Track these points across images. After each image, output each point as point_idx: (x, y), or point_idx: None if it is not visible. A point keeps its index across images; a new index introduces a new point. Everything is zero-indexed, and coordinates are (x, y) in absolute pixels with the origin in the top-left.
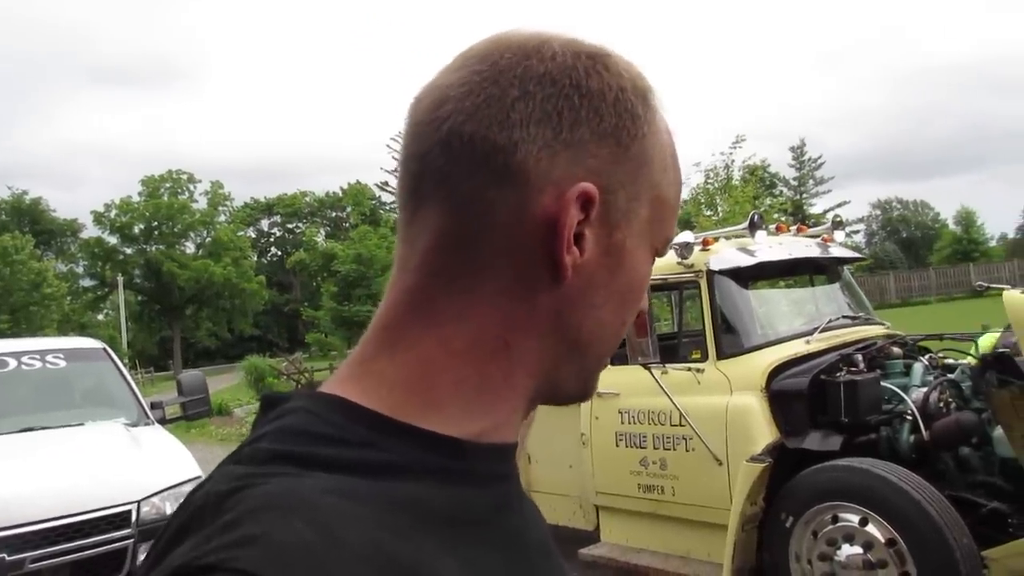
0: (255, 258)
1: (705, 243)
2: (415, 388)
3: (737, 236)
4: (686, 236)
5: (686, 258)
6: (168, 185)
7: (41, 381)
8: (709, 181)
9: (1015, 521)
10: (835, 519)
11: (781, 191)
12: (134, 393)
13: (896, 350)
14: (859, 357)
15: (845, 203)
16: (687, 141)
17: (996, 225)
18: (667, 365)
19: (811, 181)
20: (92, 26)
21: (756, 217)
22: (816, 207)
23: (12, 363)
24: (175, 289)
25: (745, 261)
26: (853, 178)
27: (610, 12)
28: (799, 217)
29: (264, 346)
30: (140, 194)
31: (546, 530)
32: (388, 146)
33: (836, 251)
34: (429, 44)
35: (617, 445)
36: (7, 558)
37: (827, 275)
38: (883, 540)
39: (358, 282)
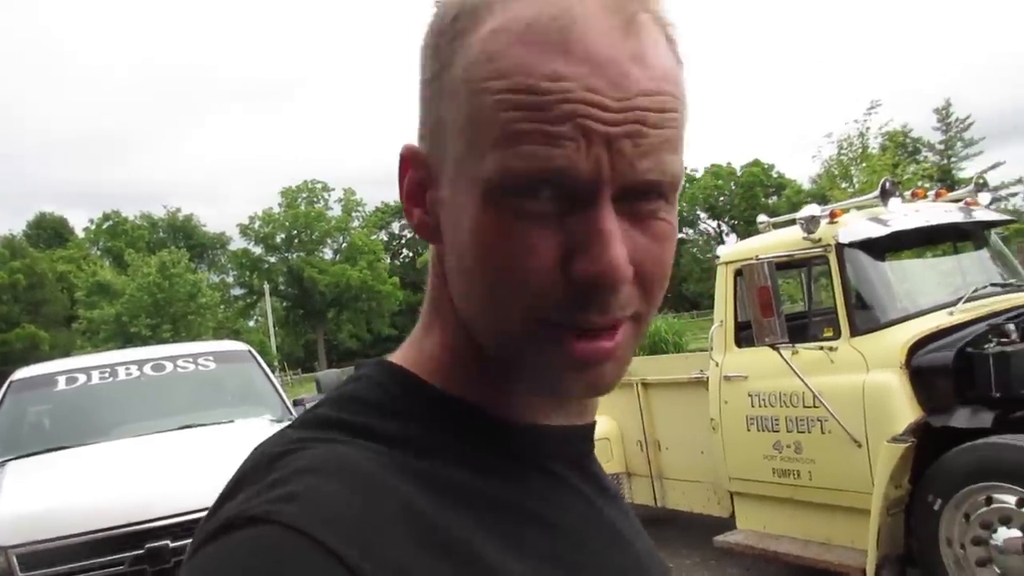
0: (389, 260)
1: (833, 215)
2: (448, 357)
3: (869, 206)
4: (811, 209)
5: (812, 232)
6: (304, 195)
7: (195, 382)
8: (843, 152)
9: None
10: (989, 500)
11: (926, 156)
12: (278, 391)
13: None
14: (1011, 327)
15: (1000, 164)
16: (819, 114)
17: None
18: (797, 345)
19: (959, 144)
20: (218, 46)
21: (888, 184)
22: (967, 171)
23: (169, 366)
24: (316, 294)
25: (877, 231)
26: (1009, 137)
27: None
28: (947, 183)
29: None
30: (280, 205)
31: (623, 517)
32: None
33: (980, 215)
34: None
35: (748, 429)
36: (170, 544)
37: (972, 241)
38: None
39: None
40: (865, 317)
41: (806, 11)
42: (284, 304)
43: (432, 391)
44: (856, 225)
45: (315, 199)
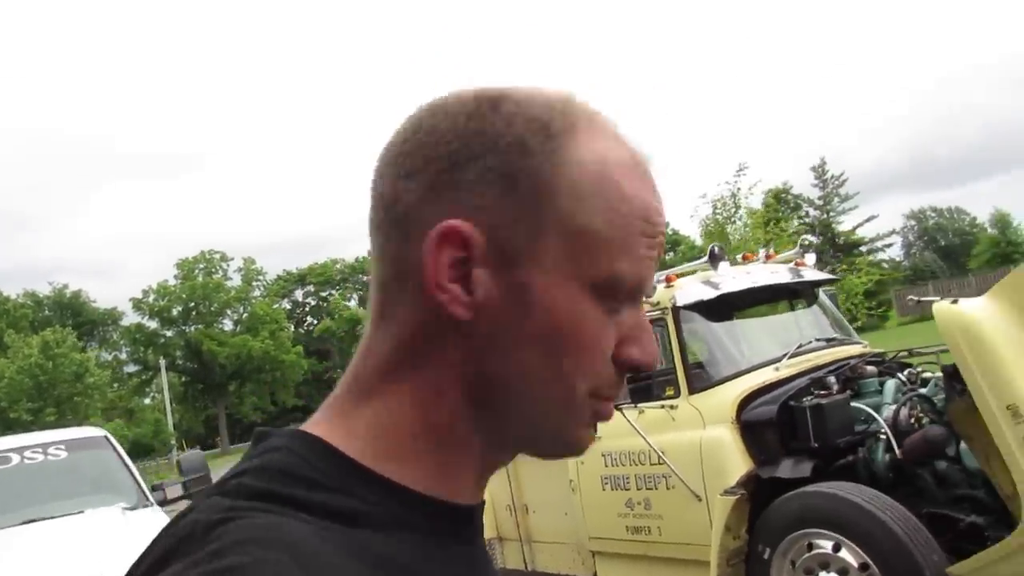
0: (292, 329)
1: (668, 280)
2: (383, 438)
3: (702, 270)
4: None
5: (650, 296)
6: (202, 266)
7: (43, 473)
8: (717, 211)
9: (991, 534)
10: (810, 547)
11: (807, 212)
12: (135, 477)
13: (870, 369)
14: (831, 379)
15: (873, 217)
16: (701, 177)
17: None
18: (640, 404)
19: (836, 199)
20: (112, 120)
21: (716, 249)
22: (844, 224)
23: (15, 459)
24: (216, 367)
25: (708, 294)
26: (882, 191)
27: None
28: (828, 237)
29: (308, 415)
30: (176, 277)
31: None
32: None
33: (808, 274)
34: None
35: (603, 489)
36: None
37: (804, 299)
38: (856, 565)
39: None
40: (700, 375)
41: (703, 75)
42: (182, 379)
43: (362, 470)
44: (690, 288)
45: (213, 269)
